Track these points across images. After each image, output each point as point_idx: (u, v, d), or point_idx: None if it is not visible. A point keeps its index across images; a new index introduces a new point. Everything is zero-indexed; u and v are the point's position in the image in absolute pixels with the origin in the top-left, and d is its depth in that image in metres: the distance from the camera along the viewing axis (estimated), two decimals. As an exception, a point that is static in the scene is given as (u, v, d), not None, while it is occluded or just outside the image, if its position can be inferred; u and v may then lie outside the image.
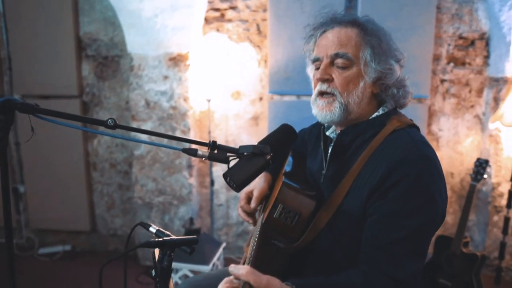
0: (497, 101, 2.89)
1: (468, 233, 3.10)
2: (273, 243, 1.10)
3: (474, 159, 2.71)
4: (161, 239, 0.95)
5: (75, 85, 3.27)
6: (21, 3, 3.16)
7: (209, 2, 3.11)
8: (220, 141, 3.24)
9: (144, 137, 2.79)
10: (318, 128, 1.35)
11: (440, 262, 2.60)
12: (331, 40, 1.13)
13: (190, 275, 2.65)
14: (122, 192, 3.48)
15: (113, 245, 3.56)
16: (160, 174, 3.15)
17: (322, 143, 1.26)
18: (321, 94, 1.15)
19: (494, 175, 2.94)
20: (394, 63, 1.14)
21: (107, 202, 3.51)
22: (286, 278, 0.96)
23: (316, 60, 1.18)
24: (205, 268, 2.62)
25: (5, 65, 3.30)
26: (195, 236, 0.98)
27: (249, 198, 1.37)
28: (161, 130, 3.09)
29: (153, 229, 1.01)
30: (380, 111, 1.16)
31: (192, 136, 3.12)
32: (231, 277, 0.94)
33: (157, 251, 0.98)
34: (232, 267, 0.91)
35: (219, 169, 3.30)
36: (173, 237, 0.96)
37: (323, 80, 1.13)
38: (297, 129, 1.22)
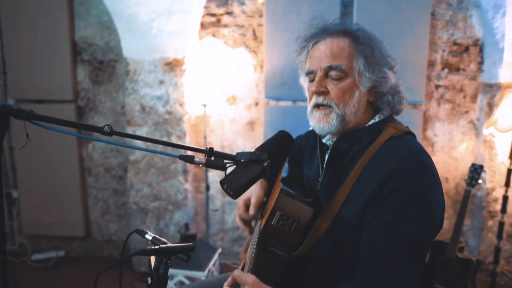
0: (491, 106, 2.92)
1: (463, 238, 3.11)
2: (271, 250, 1.09)
3: (469, 164, 2.72)
4: (157, 246, 0.94)
5: (70, 89, 3.25)
6: (16, 7, 3.14)
7: (205, 7, 3.11)
8: (216, 146, 3.25)
9: (140, 143, 2.78)
10: (314, 135, 1.35)
11: (436, 267, 2.61)
12: (323, 52, 1.13)
13: (186, 281, 2.64)
14: (117, 197, 3.46)
15: (107, 251, 3.53)
16: (155, 179, 3.13)
17: (318, 151, 1.26)
18: (317, 106, 1.15)
19: (489, 180, 2.95)
20: (388, 70, 1.14)
21: (102, 207, 3.48)
22: (284, 284, 0.96)
23: (310, 73, 1.17)
24: (201, 274, 2.60)
25: (-1, 69, 3.28)
26: (191, 244, 0.98)
27: (247, 206, 1.36)
28: (157, 135, 3.08)
29: (149, 236, 1.00)
30: (376, 119, 1.16)
31: (187, 141, 3.11)
32: (229, 281, 0.94)
33: (153, 258, 0.97)
34: (238, 274, 0.91)
35: (214, 174, 3.29)
36: (170, 244, 0.95)
37: (318, 93, 1.13)
38: (293, 134, 1.22)
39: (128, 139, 2.79)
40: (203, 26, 3.15)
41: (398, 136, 1.11)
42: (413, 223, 1.00)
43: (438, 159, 3.12)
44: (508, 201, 2.74)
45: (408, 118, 2.86)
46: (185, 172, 3.11)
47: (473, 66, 3.02)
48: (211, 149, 1.00)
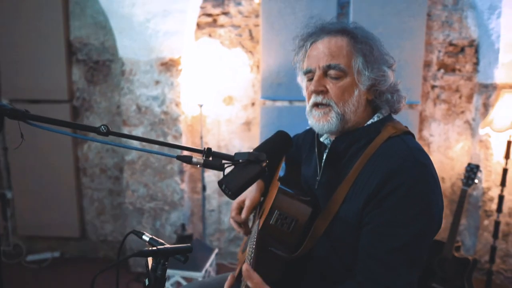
0: (486, 107, 2.93)
1: (459, 237, 3.13)
2: (270, 250, 1.09)
3: (465, 164, 2.73)
4: (155, 248, 0.93)
5: (65, 89, 3.23)
6: (10, 6, 3.11)
7: (202, 8, 3.10)
8: (212, 146, 3.24)
9: (136, 143, 2.76)
10: (312, 133, 1.34)
11: (433, 267, 2.61)
12: (321, 51, 1.12)
13: (183, 282, 2.62)
14: (113, 197, 3.44)
15: (103, 252, 3.51)
16: (152, 180, 3.12)
17: (316, 149, 1.25)
18: (317, 105, 1.14)
19: (485, 180, 2.97)
20: (387, 69, 1.13)
21: (97, 207, 3.46)
22: (284, 285, 0.96)
23: (308, 72, 1.16)
24: (198, 275, 2.59)
25: (-7, 69, 3.25)
26: (189, 245, 0.97)
27: (240, 208, 1.35)
28: (153, 135, 3.07)
29: (146, 237, 0.99)
30: (375, 118, 1.16)
31: (184, 141, 3.10)
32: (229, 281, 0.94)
33: (150, 259, 0.96)
34: (247, 267, 0.91)
35: (211, 174, 3.28)
36: (167, 245, 0.94)
37: (317, 92, 1.12)
38: (290, 134, 1.21)
39: (124, 139, 2.78)
40: (199, 26, 3.13)
41: (397, 136, 1.11)
42: (412, 223, 0.99)
43: (434, 159, 3.13)
44: (504, 200, 2.76)
45: (404, 118, 2.86)
46: (181, 172, 3.10)
47: (468, 67, 3.03)
48: (209, 149, 0.99)
